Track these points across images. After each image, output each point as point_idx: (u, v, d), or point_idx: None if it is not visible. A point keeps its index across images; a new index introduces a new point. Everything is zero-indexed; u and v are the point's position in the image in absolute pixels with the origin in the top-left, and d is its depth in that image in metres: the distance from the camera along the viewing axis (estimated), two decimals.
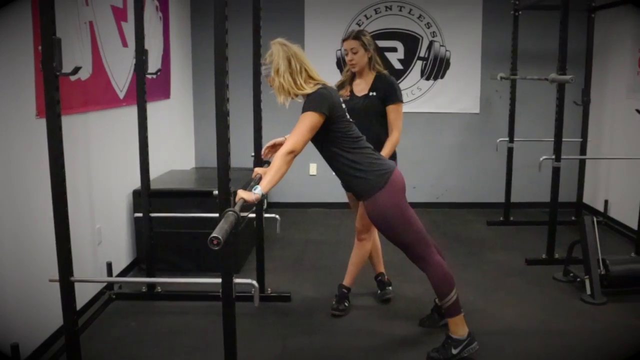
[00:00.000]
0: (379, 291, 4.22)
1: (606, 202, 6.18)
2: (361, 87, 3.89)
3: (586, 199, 6.57)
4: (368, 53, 3.84)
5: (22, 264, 3.18)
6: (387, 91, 3.84)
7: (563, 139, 4.88)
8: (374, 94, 3.83)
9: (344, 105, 3.21)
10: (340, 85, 3.96)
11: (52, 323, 3.42)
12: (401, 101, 3.89)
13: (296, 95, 3.10)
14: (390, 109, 3.84)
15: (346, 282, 4.04)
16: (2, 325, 2.99)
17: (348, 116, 3.21)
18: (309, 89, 3.06)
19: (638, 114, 4.50)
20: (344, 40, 3.89)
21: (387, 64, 6.68)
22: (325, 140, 3.15)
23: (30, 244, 3.25)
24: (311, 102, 3.03)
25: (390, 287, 4.23)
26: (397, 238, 3.20)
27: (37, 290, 3.27)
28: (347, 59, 3.87)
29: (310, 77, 3.11)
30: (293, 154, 2.96)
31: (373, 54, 3.87)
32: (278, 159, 2.92)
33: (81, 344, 3.05)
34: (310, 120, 3.00)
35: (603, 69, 6.29)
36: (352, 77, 3.95)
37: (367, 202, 3.19)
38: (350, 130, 3.17)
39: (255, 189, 2.81)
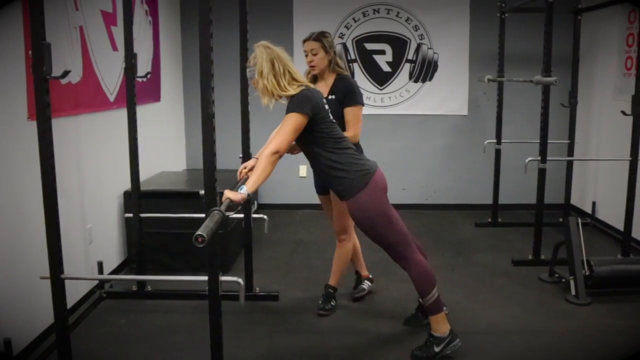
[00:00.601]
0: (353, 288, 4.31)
1: (594, 203, 6.24)
2: (321, 90, 3.69)
3: (574, 201, 6.63)
4: (329, 55, 3.80)
5: (14, 262, 3.25)
6: (346, 93, 3.78)
7: (550, 141, 4.95)
8: (333, 96, 3.78)
9: (327, 107, 3.27)
10: None
11: (44, 320, 3.48)
12: (361, 104, 3.83)
13: (280, 97, 3.16)
14: (348, 111, 3.76)
15: (332, 282, 4.10)
16: None
17: (331, 117, 3.27)
18: (292, 90, 3.13)
19: (624, 116, 4.56)
20: (304, 41, 3.83)
21: (376, 67, 6.78)
22: (308, 140, 3.21)
23: (22, 242, 3.32)
24: (294, 104, 3.10)
25: (363, 286, 4.28)
26: (379, 237, 3.27)
27: (29, 287, 3.33)
28: (307, 60, 3.81)
29: (294, 79, 3.17)
30: (278, 154, 3.02)
31: (334, 56, 3.83)
32: (263, 160, 2.99)
33: (72, 340, 3.12)
34: (293, 121, 3.07)
35: (590, 71, 6.36)
36: (313, 80, 3.89)
37: (349, 201, 3.25)
38: (333, 131, 3.23)
39: (241, 189, 2.88)
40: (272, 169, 3.02)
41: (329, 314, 3.99)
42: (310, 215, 6.37)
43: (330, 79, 3.85)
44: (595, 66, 6.33)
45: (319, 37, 3.79)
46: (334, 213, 3.93)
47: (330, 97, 3.79)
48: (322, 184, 3.94)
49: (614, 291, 4.30)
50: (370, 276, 4.35)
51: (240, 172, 3.47)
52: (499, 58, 6.07)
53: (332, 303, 4.05)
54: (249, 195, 2.90)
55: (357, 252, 4.26)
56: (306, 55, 3.83)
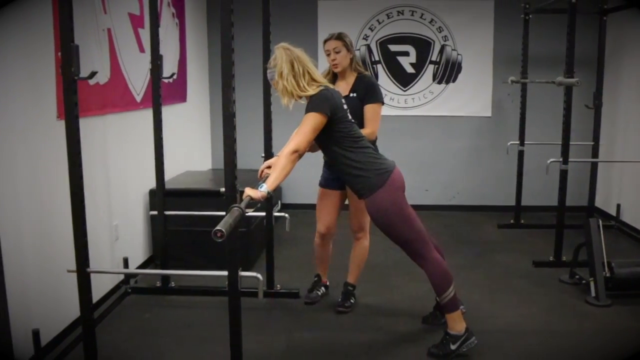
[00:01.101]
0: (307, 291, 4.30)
1: (618, 206, 6.20)
2: (342, 89, 3.83)
3: (598, 203, 6.59)
4: (350, 54, 3.87)
5: (43, 256, 3.37)
6: (367, 91, 3.85)
7: (574, 142, 4.95)
8: (355, 94, 3.84)
9: (345, 106, 3.33)
10: None
11: (71, 313, 3.60)
12: (381, 102, 3.90)
13: (299, 97, 3.24)
14: (368, 108, 3.83)
15: (350, 280, 4.15)
16: (24, 312, 3.17)
17: (350, 117, 3.33)
18: (311, 90, 3.20)
19: None
20: (325, 41, 3.90)
21: (399, 68, 6.82)
22: (327, 140, 3.28)
23: (51, 237, 3.43)
24: (314, 103, 3.17)
25: (318, 292, 4.26)
26: (396, 235, 3.32)
27: (57, 281, 3.45)
28: (330, 59, 3.87)
29: (313, 80, 3.25)
30: (297, 153, 3.10)
31: (354, 55, 3.91)
32: (283, 158, 3.07)
33: (97, 333, 3.21)
34: (312, 121, 3.14)
35: (616, 72, 6.33)
36: (333, 79, 3.96)
37: (367, 200, 3.30)
38: (352, 131, 3.29)
39: (261, 187, 2.96)
40: (292, 167, 3.10)
41: (348, 311, 4.05)
42: (341, 215, 6.45)
43: (351, 78, 3.92)
44: (621, 67, 6.29)
45: (341, 35, 3.86)
46: (350, 210, 4.00)
47: (351, 94, 3.85)
48: (335, 179, 3.97)
49: (634, 293, 4.28)
50: (328, 284, 4.36)
51: (262, 171, 3.54)
52: (522, 59, 6.07)
53: (352, 300, 4.11)
54: (269, 193, 2.97)
55: (327, 256, 4.27)
56: (328, 55, 3.88)
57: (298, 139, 3.11)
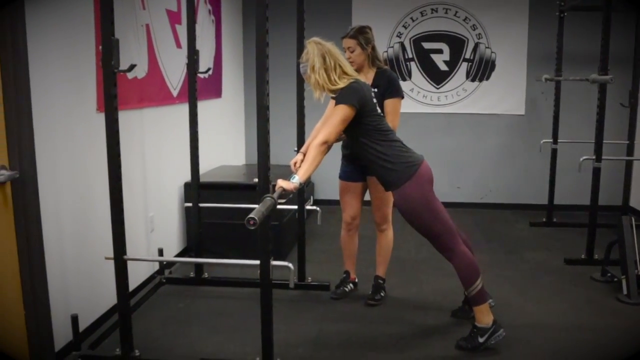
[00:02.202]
0: (335, 287, 4.31)
1: None
2: None
3: (633, 203, 6.54)
4: (365, 51, 3.87)
5: (82, 245, 3.48)
6: (387, 85, 3.86)
7: (608, 141, 4.92)
8: (375, 90, 3.83)
9: (374, 100, 3.38)
10: None
11: (108, 300, 3.72)
12: (401, 97, 3.91)
13: (330, 91, 3.30)
14: (388, 103, 3.83)
15: (379, 273, 4.20)
16: (64, 298, 3.28)
17: (379, 110, 3.38)
18: (342, 84, 3.27)
19: None
20: (342, 38, 3.91)
21: (433, 66, 6.84)
22: (356, 132, 3.33)
23: (89, 226, 3.55)
24: (343, 96, 3.24)
25: (346, 288, 4.27)
26: (424, 228, 3.35)
27: (95, 268, 3.56)
28: (346, 56, 3.82)
29: (345, 73, 3.31)
30: (326, 144, 3.16)
31: (372, 51, 3.90)
32: (313, 150, 3.14)
33: (133, 321, 3.31)
34: (342, 113, 3.20)
35: None
36: None
37: (395, 192, 3.35)
38: (381, 124, 3.35)
39: (293, 178, 3.03)
40: (322, 158, 3.17)
41: (378, 304, 4.09)
42: (363, 211, 6.49)
43: (370, 74, 3.93)
44: None
45: (355, 34, 3.87)
46: (373, 203, 4.04)
47: (373, 90, 3.84)
48: (354, 171, 4.02)
49: None
50: (356, 280, 4.37)
51: (296, 163, 3.62)
52: (557, 57, 6.04)
53: (382, 294, 4.16)
54: (300, 184, 3.04)
55: (354, 249, 4.30)
56: (344, 52, 3.88)
57: (327, 130, 3.18)
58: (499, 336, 3.38)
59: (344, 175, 4.11)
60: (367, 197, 4.12)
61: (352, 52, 3.88)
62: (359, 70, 3.91)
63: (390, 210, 4.06)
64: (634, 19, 6.03)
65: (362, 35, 3.88)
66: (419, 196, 3.29)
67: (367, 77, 3.93)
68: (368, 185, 4.04)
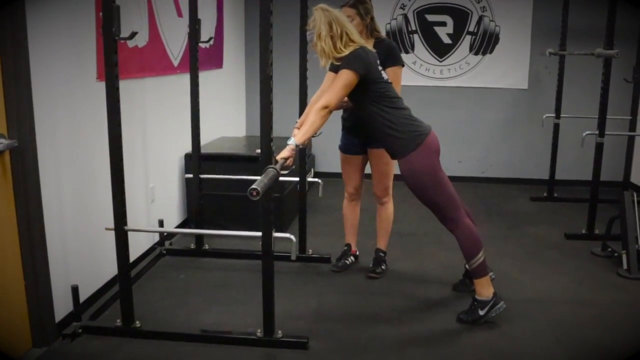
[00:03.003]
0: (336, 260, 4.31)
1: None
2: None
3: (634, 179, 6.52)
4: (364, 21, 3.81)
5: (82, 215, 3.46)
6: (387, 54, 3.79)
7: (611, 116, 4.88)
8: None
9: (380, 68, 3.34)
10: None
11: (108, 271, 3.71)
12: (402, 64, 3.86)
13: (336, 59, 3.26)
14: (389, 71, 3.66)
15: (380, 245, 4.20)
16: (64, 269, 3.27)
17: (386, 77, 3.34)
18: (347, 51, 3.22)
19: None
20: (341, 7, 3.80)
21: (436, 38, 6.77)
22: (363, 99, 3.30)
23: (90, 196, 3.53)
24: (346, 61, 3.20)
25: (347, 261, 4.27)
26: (428, 198, 3.33)
27: (96, 239, 3.55)
28: None
29: (351, 40, 3.27)
30: (327, 109, 3.13)
31: (370, 22, 3.84)
32: (313, 114, 3.12)
33: (133, 292, 3.30)
34: (345, 78, 3.17)
35: None
36: None
37: (401, 160, 3.32)
38: (388, 91, 3.31)
39: (289, 141, 3.00)
40: (322, 123, 3.13)
41: (379, 277, 4.09)
42: (365, 184, 6.48)
43: (369, 44, 3.82)
44: None
45: (355, 3, 3.80)
46: (374, 175, 4.03)
47: None
48: (354, 144, 4.01)
49: None
50: (358, 253, 4.38)
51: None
52: (561, 31, 5.97)
53: (383, 267, 4.15)
54: (297, 145, 3.02)
55: (356, 220, 4.31)
56: None
57: (329, 94, 3.15)
58: (499, 309, 3.39)
59: (344, 148, 4.09)
60: (368, 169, 4.10)
61: (351, 21, 3.77)
62: (363, 37, 3.86)
63: (390, 183, 4.05)
64: None
65: (362, 5, 3.82)
66: (425, 166, 3.27)
67: None
68: (369, 158, 4.01)
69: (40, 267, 3.00)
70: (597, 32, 5.56)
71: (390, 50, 3.84)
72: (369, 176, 4.10)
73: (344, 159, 4.13)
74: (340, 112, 3.97)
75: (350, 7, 3.81)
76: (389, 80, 3.37)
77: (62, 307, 3.24)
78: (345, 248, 4.32)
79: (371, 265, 4.17)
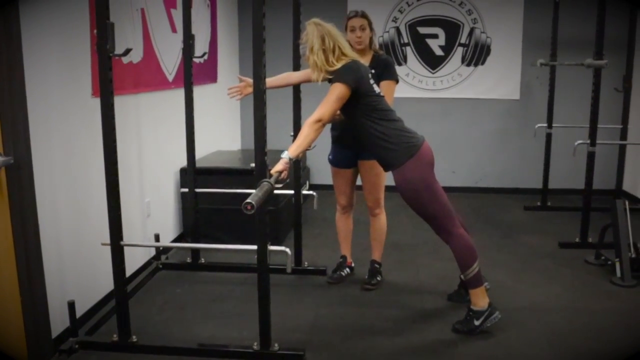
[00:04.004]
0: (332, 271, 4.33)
1: None
2: None
3: (626, 187, 6.58)
4: (372, 32, 3.93)
5: (79, 230, 3.48)
6: (384, 68, 3.89)
7: (602, 125, 4.92)
8: (373, 71, 3.81)
9: (372, 81, 3.38)
10: None
11: (104, 286, 3.71)
12: (396, 80, 3.94)
13: (328, 72, 3.29)
14: (383, 84, 3.79)
15: (375, 257, 4.22)
16: (60, 284, 3.28)
17: (378, 91, 3.38)
18: (339, 65, 3.26)
19: None
20: (351, 17, 3.91)
21: (428, 50, 6.82)
22: (355, 112, 3.33)
23: (85, 212, 3.54)
24: (338, 74, 3.24)
25: (342, 273, 4.28)
26: (423, 209, 3.36)
27: (91, 254, 3.56)
28: (355, 35, 3.87)
29: (344, 54, 3.31)
30: (321, 122, 3.16)
31: (373, 35, 3.96)
32: (306, 127, 3.15)
33: (130, 306, 3.32)
34: (337, 91, 3.20)
35: None
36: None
37: (394, 172, 3.35)
38: (380, 104, 3.35)
39: (282, 154, 3.03)
40: (315, 136, 3.17)
41: (375, 288, 4.11)
42: (359, 196, 6.51)
43: (368, 56, 3.94)
44: None
45: (365, 13, 3.91)
46: (365, 187, 4.06)
47: (372, 71, 3.85)
48: (344, 158, 4.05)
49: None
50: (353, 265, 4.38)
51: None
52: (552, 42, 6.03)
53: (378, 278, 4.17)
54: (290, 159, 3.04)
55: (349, 232, 4.33)
56: (352, 31, 3.90)
57: (322, 108, 3.18)
58: (494, 319, 3.40)
59: (335, 161, 4.12)
60: (359, 181, 4.13)
61: (363, 30, 3.89)
62: (361, 51, 3.92)
63: (382, 195, 4.08)
64: (628, 4, 6.02)
65: (369, 16, 3.93)
66: (419, 177, 3.30)
67: (365, 60, 3.92)
68: (359, 170, 4.04)
69: (37, 282, 3.00)
70: (587, 41, 5.63)
71: (388, 65, 3.92)
72: (361, 187, 4.12)
73: (335, 172, 4.15)
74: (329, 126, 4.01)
75: (362, 18, 3.90)
76: (381, 94, 3.41)
77: (58, 322, 3.24)
78: (341, 260, 4.33)
79: (366, 276, 4.19)
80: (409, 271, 4.46)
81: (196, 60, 4.46)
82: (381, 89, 3.79)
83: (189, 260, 4.49)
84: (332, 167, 4.15)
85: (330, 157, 4.13)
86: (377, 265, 4.21)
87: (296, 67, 4.12)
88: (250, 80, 3.61)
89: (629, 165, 6.48)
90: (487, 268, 3.99)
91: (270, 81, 3.63)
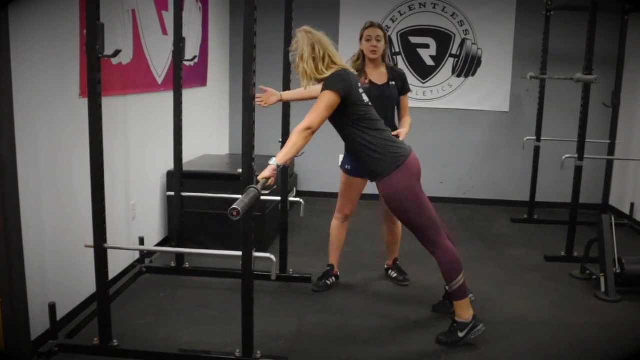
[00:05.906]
0: (392, 275, 4.47)
1: (632, 205, 6.18)
2: (378, 77, 4.03)
3: (612, 202, 6.60)
4: (386, 45, 4.05)
5: (62, 232, 3.44)
6: (403, 82, 4.12)
7: (590, 140, 4.94)
8: (394, 83, 4.04)
9: (361, 90, 3.38)
10: None
11: (86, 288, 3.67)
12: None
13: (317, 80, 3.28)
14: (405, 98, 4.16)
15: (397, 255, 4.48)
16: (41, 286, 3.24)
17: (366, 100, 3.37)
18: (329, 73, 3.25)
19: None
20: (367, 27, 4.02)
21: (419, 60, 6.84)
22: (343, 122, 3.33)
23: (69, 213, 3.50)
24: (328, 82, 3.23)
25: (328, 281, 4.30)
26: (409, 220, 3.36)
27: (74, 256, 3.52)
28: (370, 45, 3.96)
29: (334, 63, 3.30)
30: (310, 130, 3.14)
31: (386, 47, 4.08)
32: (295, 134, 3.12)
33: (112, 309, 3.28)
34: (326, 99, 3.19)
35: (635, 72, 6.28)
36: (362, 65, 4.06)
37: (381, 182, 3.35)
38: (368, 114, 3.34)
39: (270, 161, 3.00)
40: (304, 144, 3.14)
41: (409, 284, 4.33)
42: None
43: (382, 67, 4.07)
44: None
45: (382, 26, 4.05)
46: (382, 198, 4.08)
47: (391, 83, 4.05)
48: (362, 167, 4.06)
49: None
50: (339, 274, 4.38)
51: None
52: (542, 56, 6.06)
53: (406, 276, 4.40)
54: (278, 166, 3.01)
55: (343, 241, 4.34)
56: (368, 40, 3.99)
57: (311, 116, 3.16)
58: (478, 331, 3.40)
59: (353, 171, 4.06)
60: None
61: (378, 40, 4.00)
62: (375, 62, 4.04)
63: None
64: (619, 20, 6.07)
65: (384, 29, 4.07)
66: (405, 187, 3.29)
67: (381, 71, 4.06)
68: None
69: (17, 283, 2.96)
70: (577, 56, 5.67)
71: (405, 78, 4.15)
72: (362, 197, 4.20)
73: (349, 182, 4.12)
74: (325, 133, 3.99)
75: (379, 28, 4.02)
76: (370, 103, 3.40)
77: (38, 324, 3.20)
78: (328, 268, 4.32)
79: (395, 275, 4.39)
80: (395, 281, 4.45)
81: (186, 63, 4.43)
82: (403, 102, 4.12)
83: (173, 264, 4.46)
84: (347, 176, 4.11)
85: (347, 167, 4.08)
86: (398, 262, 4.43)
87: (286, 73, 4.10)
88: (274, 90, 3.70)
89: (615, 180, 6.51)
90: (473, 280, 3.99)
91: (292, 94, 3.87)
